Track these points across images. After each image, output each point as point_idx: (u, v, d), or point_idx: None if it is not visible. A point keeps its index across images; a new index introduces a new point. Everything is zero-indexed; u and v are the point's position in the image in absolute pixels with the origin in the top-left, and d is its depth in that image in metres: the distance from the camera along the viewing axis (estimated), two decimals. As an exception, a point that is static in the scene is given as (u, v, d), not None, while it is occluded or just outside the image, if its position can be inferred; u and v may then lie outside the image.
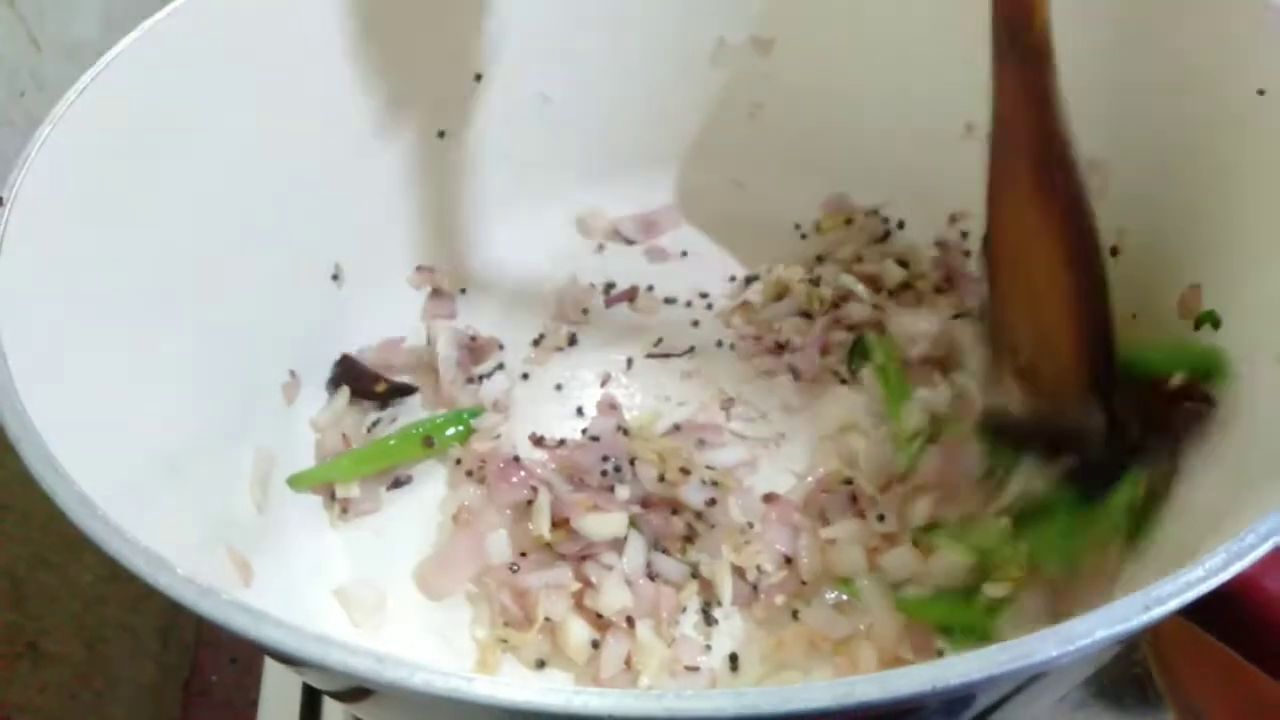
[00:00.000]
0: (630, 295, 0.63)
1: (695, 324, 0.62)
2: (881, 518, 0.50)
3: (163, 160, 0.45)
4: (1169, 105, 0.48)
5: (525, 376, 0.60)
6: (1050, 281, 0.45)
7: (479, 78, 0.59)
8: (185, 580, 0.28)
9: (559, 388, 0.59)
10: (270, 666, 0.56)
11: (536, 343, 0.61)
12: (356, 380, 0.57)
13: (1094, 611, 0.23)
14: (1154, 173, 0.49)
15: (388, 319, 0.61)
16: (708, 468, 0.53)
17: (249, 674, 0.62)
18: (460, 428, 0.55)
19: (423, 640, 0.49)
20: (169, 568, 0.28)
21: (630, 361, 0.60)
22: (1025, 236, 0.45)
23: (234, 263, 0.49)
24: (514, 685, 0.25)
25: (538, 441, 0.56)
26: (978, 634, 0.46)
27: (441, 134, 0.59)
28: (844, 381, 0.58)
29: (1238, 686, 0.43)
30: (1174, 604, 0.24)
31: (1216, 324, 0.44)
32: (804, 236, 0.65)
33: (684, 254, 0.66)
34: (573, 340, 0.61)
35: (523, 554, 0.50)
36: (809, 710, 0.23)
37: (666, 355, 0.60)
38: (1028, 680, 0.26)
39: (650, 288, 0.64)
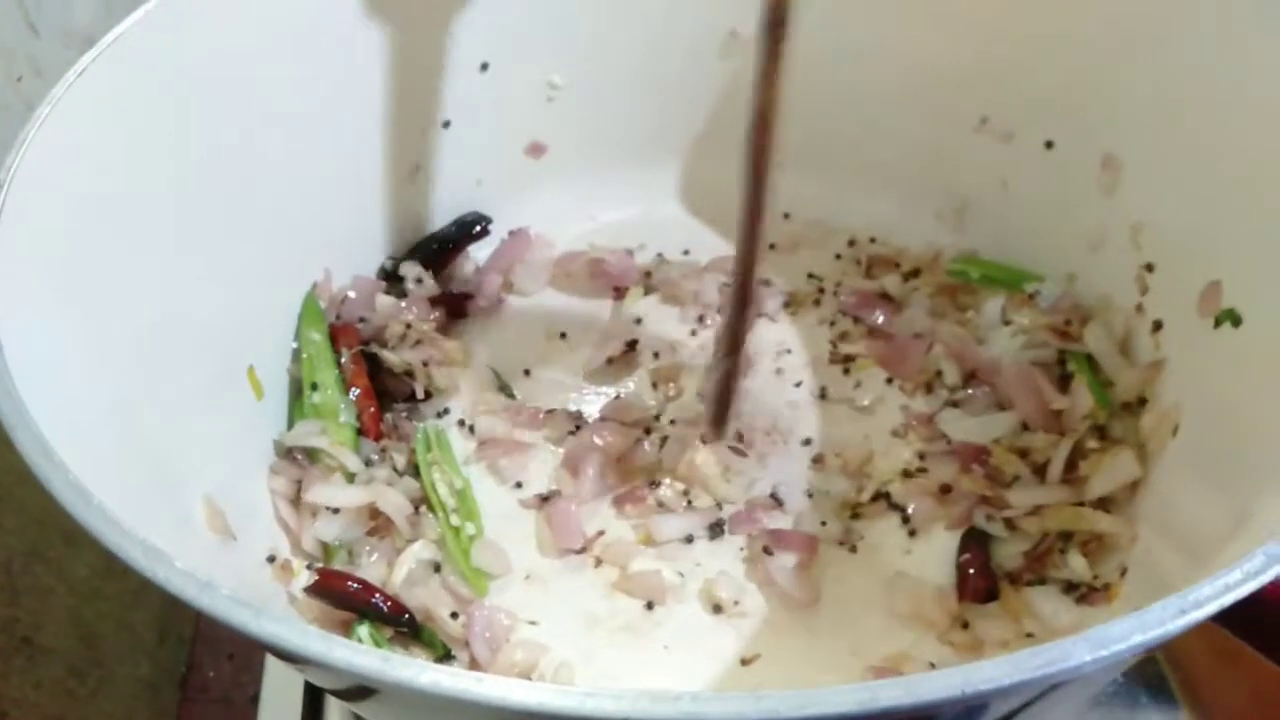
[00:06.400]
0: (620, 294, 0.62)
1: (700, 320, 0.61)
2: None
3: (158, 144, 0.44)
4: (1187, 97, 0.47)
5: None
6: None
7: (485, 66, 0.58)
8: (184, 574, 0.27)
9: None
10: (271, 663, 0.55)
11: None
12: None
13: (1128, 616, 0.22)
14: (1171, 166, 0.48)
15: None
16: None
17: (246, 670, 0.61)
18: None
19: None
20: (167, 560, 0.27)
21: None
22: None
23: (230, 248, 0.48)
24: (525, 686, 0.24)
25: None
26: None
27: (447, 124, 0.59)
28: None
29: (1253, 683, 0.42)
30: (1211, 608, 0.23)
31: (1237, 322, 0.43)
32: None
33: (685, 253, 0.64)
34: (562, 335, 0.61)
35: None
36: (830, 715, 0.22)
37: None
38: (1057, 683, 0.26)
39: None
